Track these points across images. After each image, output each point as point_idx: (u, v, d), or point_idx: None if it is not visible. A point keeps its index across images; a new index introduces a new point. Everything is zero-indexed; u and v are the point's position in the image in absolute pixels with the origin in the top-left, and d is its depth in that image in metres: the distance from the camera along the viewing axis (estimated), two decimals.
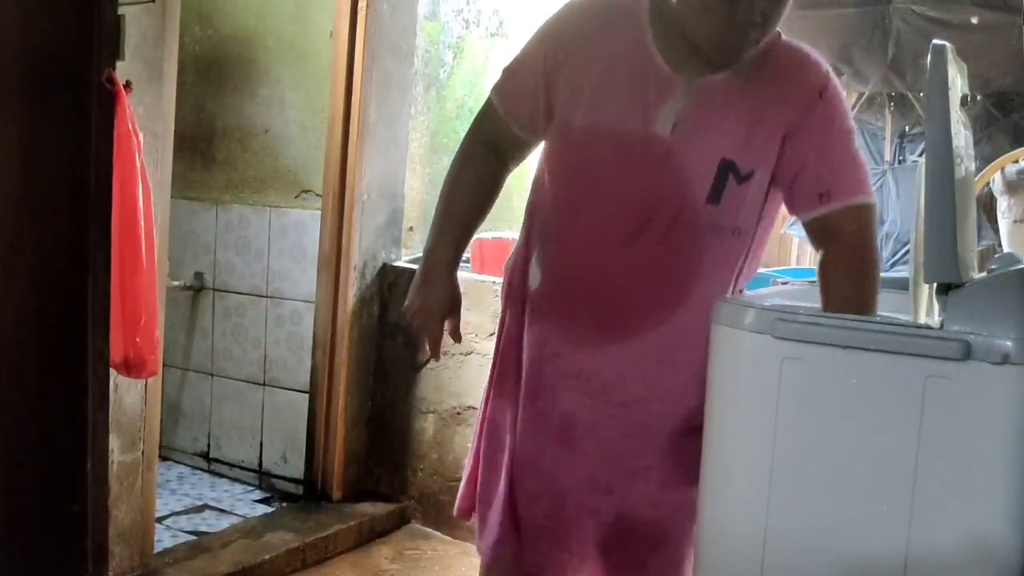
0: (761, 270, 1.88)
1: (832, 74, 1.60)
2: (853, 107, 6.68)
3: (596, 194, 1.60)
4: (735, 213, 1.57)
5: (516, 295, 1.71)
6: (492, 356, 1.79)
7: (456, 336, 1.76)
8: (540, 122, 1.66)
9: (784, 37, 1.60)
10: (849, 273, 1.55)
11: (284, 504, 3.30)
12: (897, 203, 6.02)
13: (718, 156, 1.54)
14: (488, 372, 1.80)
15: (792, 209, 1.62)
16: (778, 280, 2.16)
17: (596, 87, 1.59)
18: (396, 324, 3.25)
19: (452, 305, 1.74)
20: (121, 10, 1.54)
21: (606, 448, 1.64)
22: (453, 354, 3.10)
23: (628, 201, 1.58)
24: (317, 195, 3.25)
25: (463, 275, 1.79)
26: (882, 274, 1.59)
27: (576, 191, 1.63)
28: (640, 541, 1.64)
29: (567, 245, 1.64)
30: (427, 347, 1.80)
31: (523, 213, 1.74)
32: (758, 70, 1.56)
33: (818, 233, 1.59)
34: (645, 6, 1.59)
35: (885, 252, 5.95)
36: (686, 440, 1.57)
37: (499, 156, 1.74)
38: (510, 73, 1.71)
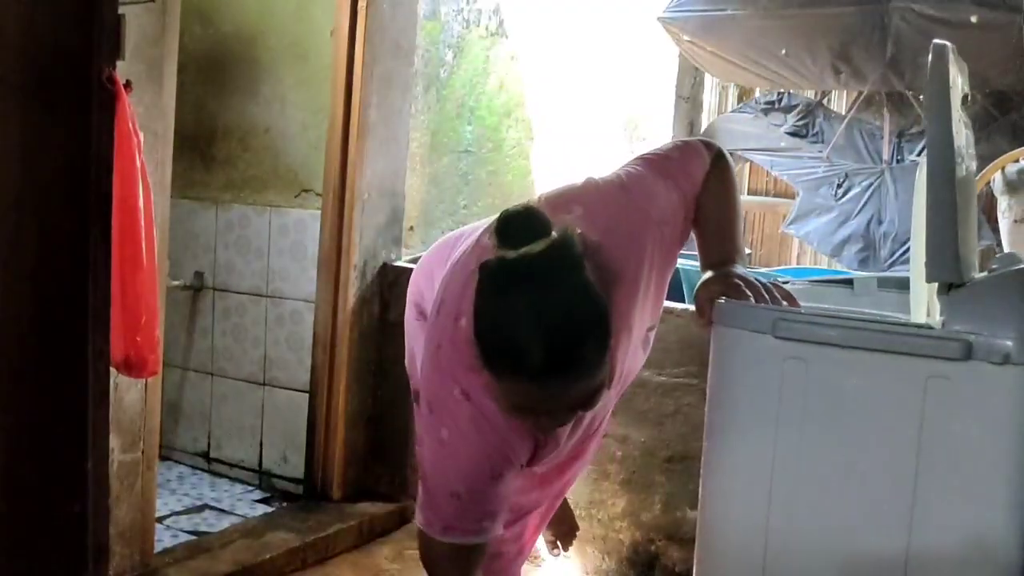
0: (762, 269, 1.88)
1: (628, 177, 1.52)
2: (852, 106, 6.68)
3: None
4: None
5: None
6: None
7: None
8: None
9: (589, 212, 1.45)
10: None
11: (284, 504, 3.30)
12: (896, 203, 6.01)
13: (643, 331, 1.54)
14: None
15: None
16: (778, 280, 2.16)
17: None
18: (396, 324, 3.24)
19: None
20: (121, 10, 1.53)
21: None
22: None
23: None
24: (317, 194, 3.25)
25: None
26: (882, 274, 1.59)
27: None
28: None
29: None
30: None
31: None
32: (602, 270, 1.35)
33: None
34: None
35: (884, 252, 5.94)
36: None
37: None
38: None
